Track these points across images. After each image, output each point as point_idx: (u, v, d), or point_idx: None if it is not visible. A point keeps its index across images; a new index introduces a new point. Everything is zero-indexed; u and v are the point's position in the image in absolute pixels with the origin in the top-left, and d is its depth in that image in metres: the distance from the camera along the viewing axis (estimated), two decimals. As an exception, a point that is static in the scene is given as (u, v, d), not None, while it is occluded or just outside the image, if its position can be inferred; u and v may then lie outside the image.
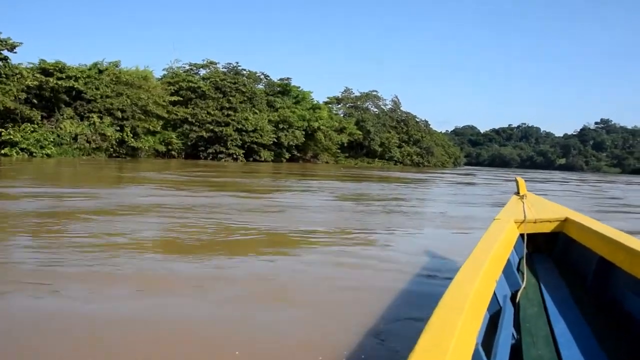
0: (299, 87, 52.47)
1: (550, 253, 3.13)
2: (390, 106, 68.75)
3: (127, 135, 34.75)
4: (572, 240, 2.83)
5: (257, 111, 45.26)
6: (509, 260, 2.33)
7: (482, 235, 2.30)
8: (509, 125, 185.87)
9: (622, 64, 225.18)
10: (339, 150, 57.96)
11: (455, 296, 1.36)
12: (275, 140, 45.91)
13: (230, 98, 44.09)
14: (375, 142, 61.02)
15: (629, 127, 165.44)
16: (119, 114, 34.44)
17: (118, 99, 34.60)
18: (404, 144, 66.74)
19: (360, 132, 58.52)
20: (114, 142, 34.17)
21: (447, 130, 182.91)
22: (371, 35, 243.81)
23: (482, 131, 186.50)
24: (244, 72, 49.09)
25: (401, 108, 69.45)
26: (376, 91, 66.95)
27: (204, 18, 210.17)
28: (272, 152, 46.58)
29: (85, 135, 32.29)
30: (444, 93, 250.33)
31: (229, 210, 7.83)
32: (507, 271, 2.27)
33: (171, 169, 22.98)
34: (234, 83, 45.29)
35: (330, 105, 60.88)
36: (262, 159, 44.85)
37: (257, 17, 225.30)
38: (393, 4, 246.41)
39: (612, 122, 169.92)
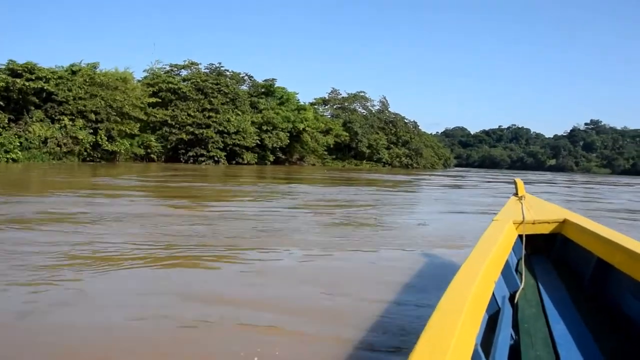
0: (284, 88, 51.09)
1: (548, 254, 3.10)
2: (378, 107, 67.56)
3: (102, 139, 33.15)
4: (570, 242, 2.81)
5: (240, 113, 43.75)
6: (507, 261, 2.31)
7: (480, 236, 2.27)
8: (499, 126, 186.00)
9: (611, 64, 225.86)
10: (325, 152, 56.61)
11: (454, 297, 1.35)
12: (259, 142, 44.40)
13: (212, 99, 42.56)
14: (363, 144, 59.68)
15: (619, 127, 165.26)
16: (93, 117, 32.81)
17: (92, 100, 32.97)
18: (392, 145, 65.47)
19: (347, 134, 57.20)
20: (87, 146, 32.57)
21: (437, 132, 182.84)
22: (359, 36, 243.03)
23: (472, 132, 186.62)
24: (227, 72, 47.60)
25: (389, 109, 68.30)
26: (364, 92, 65.80)
27: (186, 19, 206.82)
28: (256, 155, 45.07)
29: (56, 139, 30.63)
30: (434, 95, 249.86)
31: (111, 224, 6.36)
32: (506, 272, 2.25)
33: (137, 173, 21.41)
34: (216, 84, 43.76)
35: (316, 107, 59.50)
36: (245, 162, 43.34)
37: (243, 18, 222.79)
38: (380, 6, 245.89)
39: (602, 123, 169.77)
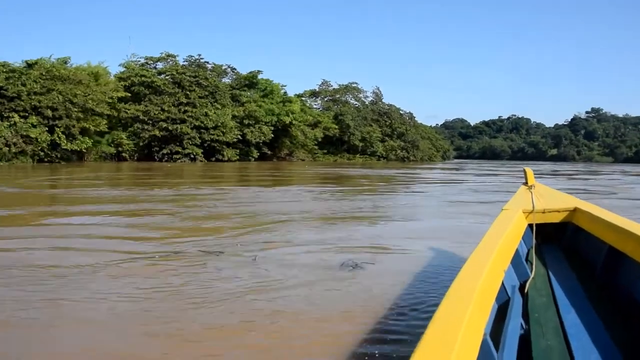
0: (269, 79, 47.33)
1: (559, 243, 3.02)
2: (371, 98, 63.65)
3: (59, 137, 29.59)
4: (581, 230, 2.76)
5: (220, 106, 40.04)
6: (517, 251, 2.26)
7: (490, 226, 2.21)
8: (499, 117, 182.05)
9: (611, 51, 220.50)
10: (316, 147, 52.97)
11: (463, 287, 1.32)
12: (241, 138, 40.77)
13: (189, 93, 38.86)
14: (356, 137, 55.93)
15: (620, 115, 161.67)
16: (50, 113, 29.25)
17: (48, 95, 29.36)
18: (387, 138, 61.62)
19: (337, 127, 53.48)
20: (44, 146, 29.03)
21: (437, 124, 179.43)
22: (354, 28, 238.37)
23: (472, 124, 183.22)
24: (208, 65, 43.98)
25: (383, 100, 64.38)
26: (356, 83, 61.89)
27: (165, 9, 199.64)
28: (238, 151, 41.43)
29: (4, 138, 27.09)
30: (432, 87, 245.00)
31: None
32: (516, 261, 2.20)
33: (81, 176, 17.90)
34: (194, 77, 40.04)
35: (304, 99, 55.50)
36: (226, 159, 39.69)
37: (231, 11, 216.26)
38: None
39: (603, 111, 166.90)
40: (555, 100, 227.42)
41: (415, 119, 71.25)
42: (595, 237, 2.48)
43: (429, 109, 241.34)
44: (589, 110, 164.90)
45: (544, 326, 1.75)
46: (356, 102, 61.79)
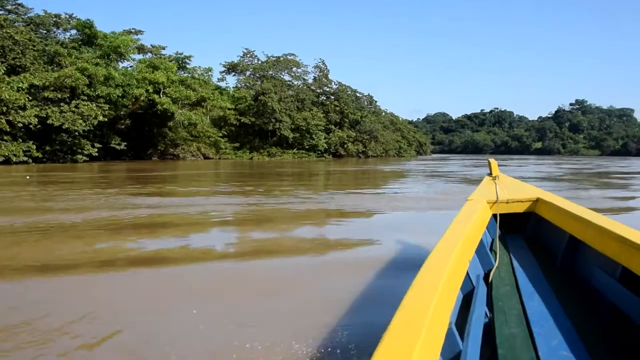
0: (116, 33, 28.30)
1: (522, 233, 2.94)
2: (313, 75, 45.38)
3: None
4: (543, 220, 2.67)
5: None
6: (481, 241, 2.17)
7: (455, 216, 2.08)
8: (482, 110, 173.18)
9: (593, 42, 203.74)
10: (222, 138, 34.91)
11: (429, 276, 1.27)
12: (38, 125, 22.45)
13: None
14: (285, 125, 37.90)
15: (605, 107, 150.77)
16: None
17: None
18: (334, 127, 43.64)
19: (233, 111, 35.38)
20: None
21: (418, 118, 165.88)
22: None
23: (454, 117, 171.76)
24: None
25: (329, 77, 45.92)
26: (293, 54, 43.56)
27: None
28: (32, 144, 23.00)
29: None
30: (414, 81, 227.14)
31: None
32: (480, 251, 2.13)
33: None
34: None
35: (211, 74, 36.60)
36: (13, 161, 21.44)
37: None
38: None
39: (588, 103, 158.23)
40: (538, 92, 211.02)
41: (377, 103, 53.02)
42: (557, 227, 2.42)
43: (412, 104, 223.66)
44: (573, 102, 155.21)
45: (507, 314, 1.70)
46: (296, 81, 43.75)
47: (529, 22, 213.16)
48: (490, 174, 3.07)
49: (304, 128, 39.54)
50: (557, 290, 1.98)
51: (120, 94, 24.41)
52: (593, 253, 1.99)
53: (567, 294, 1.94)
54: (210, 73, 33.74)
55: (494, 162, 3.10)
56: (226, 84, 41.66)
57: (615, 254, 1.78)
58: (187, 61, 30.10)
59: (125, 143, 26.93)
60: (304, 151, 40.00)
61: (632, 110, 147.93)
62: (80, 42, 26.32)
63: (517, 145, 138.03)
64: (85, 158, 24.18)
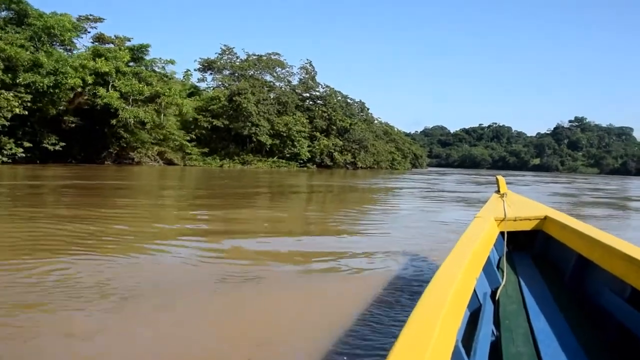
0: (55, 12, 23.54)
1: (530, 251, 2.85)
2: (300, 76, 40.86)
3: None
4: (551, 238, 2.61)
5: None
6: (489, 258, 2.10)
7: (463, 233, 2.03)
8: (480, 124, 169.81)
9: (594, 59, 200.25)
10: (189, 143, 30.35)
11: (436, 293, 1.25)
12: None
13: None
14: (262, 130, 33.33)
15: (604, 125, 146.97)
16: None
17: None
18: (319, 134, 39.08)
19: (205, 112, 30.92)
20: None
21: (416, 131, 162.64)
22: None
23: (452, 131, 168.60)
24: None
25: (316, 79, 41.37)
26: (278, 54, 39.15)
27: None
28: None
29: None
30: (413, 93, 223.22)
31: None
32: (488, 269, 2.06)
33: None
34: None
35: (189, 71, 31.30)
36: None
37: None
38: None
39: (587, 120, 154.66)
40: (537, 108, 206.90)
41: (369, 111, 48.45)
42: (565, 245, 2.36)
43: (411, 116, 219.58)
44: (572, 119, 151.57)
45: (514, 332, 1.67)
46: (279, 82, 39.28)
47: (530, 37, 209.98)
48: (498, 191, 2.99)
49: (285, 134, 34.95)
50: (565, 309, 1.91)
51: (51, 84, 19.78)
52: (601, 272, 1.93)
53: (575, 313, 1.88)
54: (171, 65, 28.57)
55: (502, 179, 3.05)
56: (207, 84, 37.07)
57: (624, 273, 1.74)
58: (145, 51, 25.59)
59: (63, 143, 22.30)
60: (283, 160, 35.40)
61: (631, 129, 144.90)
62: (10, 22, 21.74)
63: (515, 160, 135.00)
64: (4, 159, 19.57)
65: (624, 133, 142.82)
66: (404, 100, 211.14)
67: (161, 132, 28.48)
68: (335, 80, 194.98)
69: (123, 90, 23.07)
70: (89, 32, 27.78)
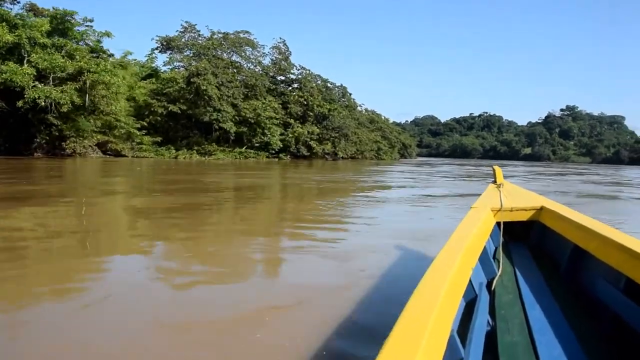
0: None
1: (526, 241, 2.79)
2: (271, 57, 36.43)
3: None
4: (547, 229, 2.54)
5: None
6: (485, 248, 2.07)
7: (459, 224, 1.98)
8: (470, 114, 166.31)
9: (584, 48, 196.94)
10: (140, 131, 26.08)
11: (431, 284, 1.24)
12: None
13: None
14: (226, 116, 29.12)
15: (595, 113, 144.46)
16: None
17: None
18: (294, 121, 34.89)
19: (161, 96, 26.74)
20: None
21: (406, 121, 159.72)
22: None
23: (442, 121, 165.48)
24: None
25: (290, 60, 36.95)
26: (248, 32, 34.74)
27: None
28: None
29: None
30: (403, 83, 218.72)
31: None
32: (483, 259, 2.04)
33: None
34: None
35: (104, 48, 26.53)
36: None
37: None
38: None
39: (579, 109, 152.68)
40: (527, 97, 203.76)
41: (351, 96, 44.11)
42: (561, 236, 2.32)
43: (401, 107, 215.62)
44: (564, 107, 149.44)
45: (509, 322, 1.66)
46: (249, 64, 34.91)
47: (520, 26, 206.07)
48: (494, 182, 2.97)
49: (253, 121, 30.72)
50: (560, 299, 1.90)
51: None
52: (597, 263, 1.92)
53: (570, 303, 1.87)
54: (104, 38, 23.66)
55: (498, 169, 3.03)
56: (173, 66, 32.55)
57: (619, 264, 1.73)
58: (71, 20, 20.98)
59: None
60: (252, 150, 31.23)
61: (623, 118, 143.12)
62: None
63: (506, 150, 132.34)
64: None
65: (615, 122, 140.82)
66: (394, 91, 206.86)
67: (105, 118, 24.23)
68: (321, 69, 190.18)
69: (40, 66, 18.71)
70: (18, 2, 23.23)
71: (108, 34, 22.83)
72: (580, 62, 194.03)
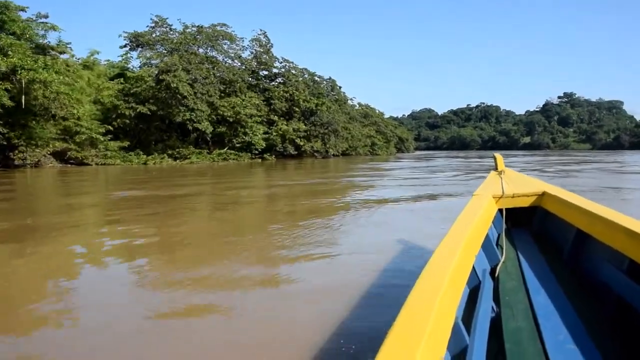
0: None
1: (528, 227, 2.76)
2: (251, 49, 33.65)
3: None
4: (550, 214, 2.52)
5: None
6: (488, 235, 2.07)
7: (461, 211, 1.98)
8: (468, 105, 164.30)
9: (579, 34, 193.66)
10: (104, 136, 23.38)
11: (435, 271, 1.23)
12: None
13: None
14: (200, 116, 26.41)
15: (594, 99, 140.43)
16: None
17: None
18: (278, 118, 32.16)
19: (128, 97, 24.10)
20: None
21: (403, 115, 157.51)
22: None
23: (439, 113, 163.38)
24: None
25: (272, 52, 34.15)
26: (225, 25, 31.99)
27: None
28: None
29: None
30: (399, 77, 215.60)
31: None
32: (486, 246, 2.04)
33: None
34: None
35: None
36: None
37: None
38: None
39: (576, 96, 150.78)
40: (524, 85, 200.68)
41: (341, 89, 41.31)
42: (564, 221, 2.29)
43: (398, 101, 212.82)
44: (562, 95, 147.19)
45: (514, 308, 1.65)
46: (228, 59, 32.18)
47: (513, 14, 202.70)
48: (495, 169, 2.96)
49: (232, 119, 28.01)
50: (564, 284, 1.89)
51: None
52: (600, 246, 1.91)
53: (574, 288, 1.86)
54: (55, 32, 20.89)
55: (499, 156, 3.00)
56: (145, 64, 29.80)
57: (623, 246, 1.72)
58: (5, 12, 18.21)
59: None
60: (233, 151, 28.52)
61: (622, 103, 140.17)
62: None
63: (505, 140, 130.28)
64: None
65: (614, 107, 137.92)
66: (390, 85, 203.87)
67: (64, 123, 21.55)
68: (314, 65, 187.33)
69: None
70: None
71: (54, 28, 20.10)
72: (577, 48, 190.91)
